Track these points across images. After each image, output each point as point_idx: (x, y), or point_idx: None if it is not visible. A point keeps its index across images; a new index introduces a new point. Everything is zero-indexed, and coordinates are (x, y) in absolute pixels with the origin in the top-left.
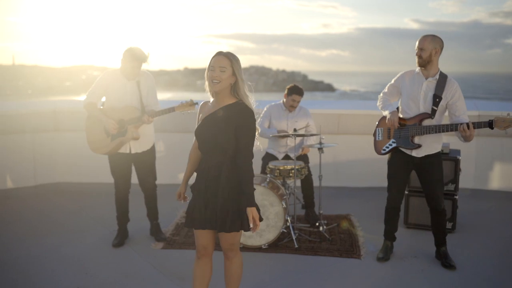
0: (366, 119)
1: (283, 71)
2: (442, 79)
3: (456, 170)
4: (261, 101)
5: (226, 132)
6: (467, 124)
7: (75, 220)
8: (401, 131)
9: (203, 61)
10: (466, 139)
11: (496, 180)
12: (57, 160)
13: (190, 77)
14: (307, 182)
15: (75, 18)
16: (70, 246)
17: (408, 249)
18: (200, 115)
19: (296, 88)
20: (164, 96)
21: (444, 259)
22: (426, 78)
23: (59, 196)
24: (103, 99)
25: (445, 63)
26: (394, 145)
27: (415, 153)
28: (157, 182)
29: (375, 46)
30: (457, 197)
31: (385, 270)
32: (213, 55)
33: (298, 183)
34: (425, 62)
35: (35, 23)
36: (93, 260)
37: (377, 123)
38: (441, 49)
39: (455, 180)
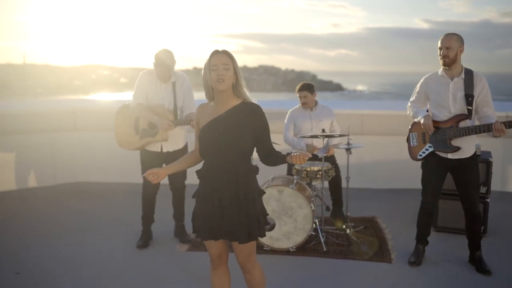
0: (390, 119)
1: (292, 71)
2: (469, 77)
3: (489, 172)
4: (271, 101)
5: (239, 134)
6: (504, 123)
7: (97, 220)
8: (437, 135)
9: None
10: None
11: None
12: (77, 160)
13: (199, 76)
14: (335, 182)
15: (84, 16)
16: (94, 247)
17: (440, 253)
18: (200, 118)
19: (303, 85)
20: None
21: (479, 264)
22: (452, 79)
23: (79, 196)
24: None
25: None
26: (431, 149)
27: (451, 156)
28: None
29: (384, 46)
30: (488, 200)
31: (417, 275)
32: (210, 54)
33: (324, 184)
34: (451, 61)
35: (44, 22)
36: (118, 262)
37: (409, 127)
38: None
39: (487, 182)
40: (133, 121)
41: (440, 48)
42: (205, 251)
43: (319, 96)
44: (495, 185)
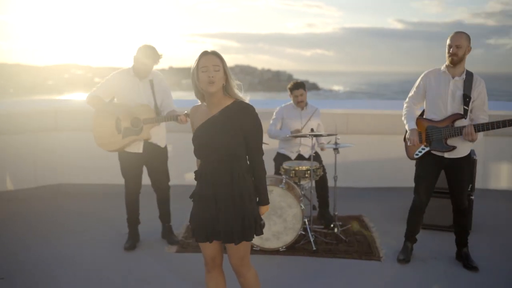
0: (374, 118)
1: (268, 71)
2: (469, 78)
3: (473, 170)
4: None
5: (233, 135)
6: (507, 121)
7: (81, 223)
8: (433, 134)
9: (188, 60)
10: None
11: (504, 180)
12: (58, 161)
13: (175, 76)
14: (322, 182)
15: (57, 16)
16: (80, 250)
17: (427, 251)
18: (194, 120)
19: (298, 83)
20: None
21: (466, 261)
22: (453, 77)
23: (62, 198)
24: (115, 100)
25: (429, 63)
26: (427, 148)
27: (448, 155)
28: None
29: (360, 45)
30: (473, 197)
31: (407, 272)
32: (199, 55)
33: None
34: (459, 60)
35: (16, 21)
36: (106, 265)
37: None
38: None
39: (471, 180)
40: (114, 121)
41: (450, 46)
42: (194, 252)
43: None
44: (477, 183)
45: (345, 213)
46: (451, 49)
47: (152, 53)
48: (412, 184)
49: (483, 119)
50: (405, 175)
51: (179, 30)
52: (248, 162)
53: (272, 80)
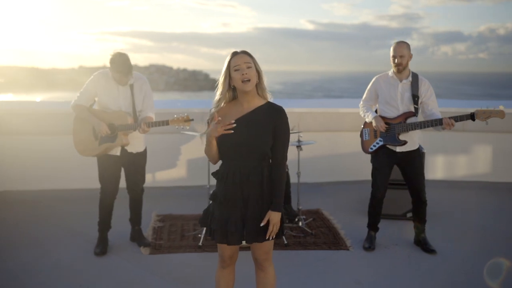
0: (325, 116)
1: (185, 70)
2: (415, 79)
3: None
4: (163, 101)
5: (266, 135)
6: (453, 118)
7: (39, 231)
8: (387, 130)
9: (99, 59)
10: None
11: (440, 171)
12: (2, 167)
13: (86, 76)
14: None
15: None
16: (49, 259)
17: (387, 238)
18: (219, 118)
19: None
20: (58, 96)
21: (424, 245)
22: (401, 81)
23: (10, 206)
24: (96, 100)
25: (339, 63)
26: (381, 143)
27: (399, 149)
28: None
29: (274, 45)
30: None
31: (376, 259)
32: (229, 56)
33: None
34: (404, 68)
35: None
36: (83, 271)
37: (362, 125)
38: None
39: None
40: (92, 127)
41: (394, 56)
42: (169, 253)
43: (214, 95)
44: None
45: (303, 208)
46: (395, 60)
47: (118, 68)
48: (361, 178)
49: (436, 111)
50: (353, 170)
51: (87, 28)
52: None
53: (188, 80)
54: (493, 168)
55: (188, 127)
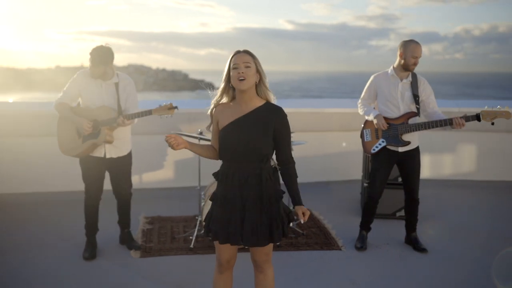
0: (311, 116)
1: (163, 70)
2: (414, 79)
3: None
4: (144, 102)
5: (264, 135)
6: (466, 117)
7: (25, 236)
8: (389, 130)
9: (76, 59)
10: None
11: (426, 170)
12: None
13: (63, 76)
14: None
15: None
16: (37, 264)
17: (378, 238)
18: (220, 118)
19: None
20: (35, 96)
21: (415, 244)
22: (401, 80)
23: None
24: (80, 101)
25: (318, 63)
26: (383, 144)
27: (401, 149)
28: None
29: (253, 45)
30: None
31: (368, 258)
32: (232, 56)
33: None
34: None
35: None
36: (73, 276)
37: (362, 125)
38: None
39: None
40: (75, 126)
41: (415, 57)
42: (159, 256)
43: (193, 95)
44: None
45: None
46: (415, 60)
47: (94, 56)
48: (349, 178)
49: (438, 110)
50: (340, 170)
51: (64, 28)
52: (271, 163)
53: (167, 80)
54: (479, 167)
55: (171, 115)
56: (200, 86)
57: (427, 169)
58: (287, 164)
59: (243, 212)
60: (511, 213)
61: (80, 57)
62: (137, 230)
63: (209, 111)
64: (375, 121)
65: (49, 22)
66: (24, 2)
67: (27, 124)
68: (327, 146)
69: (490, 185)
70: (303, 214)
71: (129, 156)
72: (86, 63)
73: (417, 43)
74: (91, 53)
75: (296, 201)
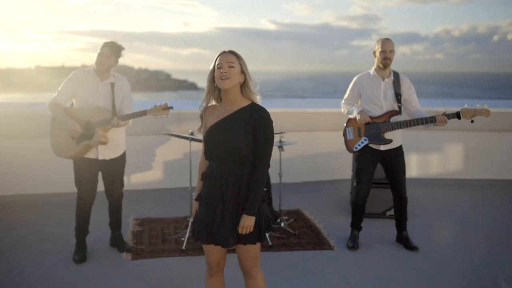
0: (300, 116)
1: (146, 70)
2: (396, 78)
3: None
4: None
5: (245, 137)
6: (446, 115)
7: (14, 238)
8: (371, 129)
9: (57, 59)
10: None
11: (413, 169)
12: None
13: (44, 76)
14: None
15: None
16: (25, 268)
17: (369, 237)
18: (208, 120)
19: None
20: (15, 97)
21: (406, 242)
22: (383, 79)
23: None
24: (73, 101)
25: (301, 63)
26: (366, 142)
27: (383, 147)
28: None
29: (236, 45)
30: None
31: (361, 258)
32: (217, 56)
33: None
34: (390, 63)
35: None
36: (64, 280)
37: (345, 124)
38: None
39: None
40: (66, 127)
41: (384, 51)
42: (151, 258)
43: (177, 95)
44: None
45: (283, 208)
46: (385, 54)
47: (111, 50)
48: (338, 178)
49: (420, 108)
50: (329, 169)
51: (45, 27)
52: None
53: (150, 80)
54: (465, 166)
55: (166, 116)
56: (182, 86)
57: (414, 169)
58: (256, 168)
59: (223, 212)
60: (498, 210)
61: (60, 57)
62: (127, 232)
63: (200, 113)
64: (358, 117)
65: (29, 22)
66: (2, 1)
67: (12, 126)
68: (316, 146)
69: (478, 184)
70: (243, 227)
71: (122, 157)
72: (67, 63)
73: (386, 38)
74: (103, 46)
75: (246, 209)
